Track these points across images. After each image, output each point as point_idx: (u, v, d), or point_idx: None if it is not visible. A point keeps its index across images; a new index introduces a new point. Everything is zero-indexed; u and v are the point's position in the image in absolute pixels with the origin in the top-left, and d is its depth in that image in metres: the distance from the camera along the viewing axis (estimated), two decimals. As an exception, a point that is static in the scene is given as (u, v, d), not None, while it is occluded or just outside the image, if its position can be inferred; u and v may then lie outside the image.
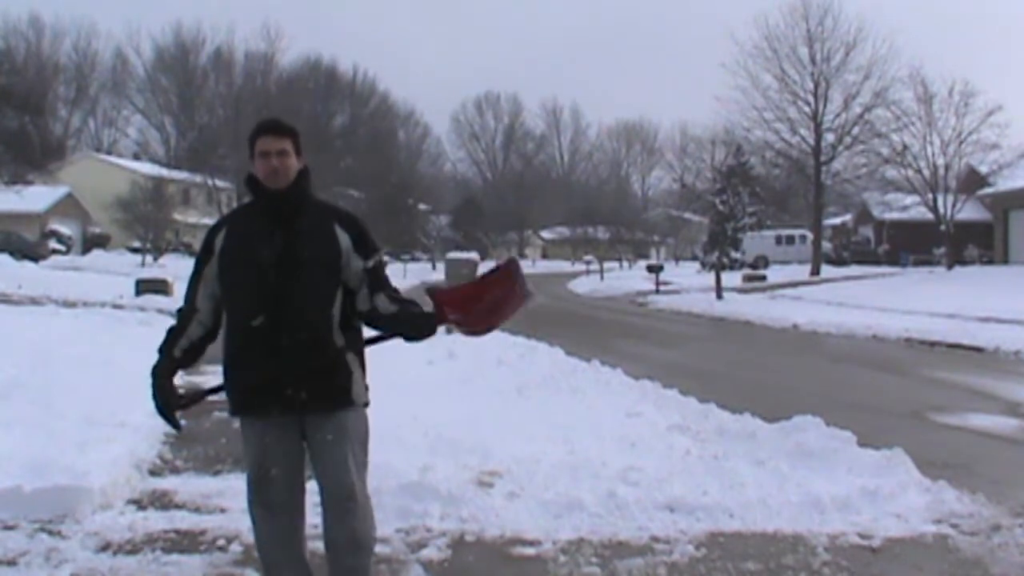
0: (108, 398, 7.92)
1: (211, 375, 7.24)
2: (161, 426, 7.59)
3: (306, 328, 3.40)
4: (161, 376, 3.48)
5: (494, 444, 6.66)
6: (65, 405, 7.52)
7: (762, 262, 51.05)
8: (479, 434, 6.97)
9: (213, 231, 3.56)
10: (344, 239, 3.50)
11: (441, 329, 3.58)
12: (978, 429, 8.74)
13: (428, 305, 3.53)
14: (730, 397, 9.21)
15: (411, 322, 3.46)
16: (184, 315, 3.54)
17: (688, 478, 5.96)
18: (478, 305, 3.51)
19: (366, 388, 3.60)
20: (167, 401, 3.47)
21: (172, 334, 3.54)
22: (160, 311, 19.62)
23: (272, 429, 3.43)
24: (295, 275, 3.40)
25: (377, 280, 3.54)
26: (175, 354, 3.51)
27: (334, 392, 3.47)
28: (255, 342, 3.39)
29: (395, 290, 3.57)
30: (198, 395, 3.63)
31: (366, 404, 3.61)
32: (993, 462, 7.27)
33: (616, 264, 65.76)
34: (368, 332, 3.62)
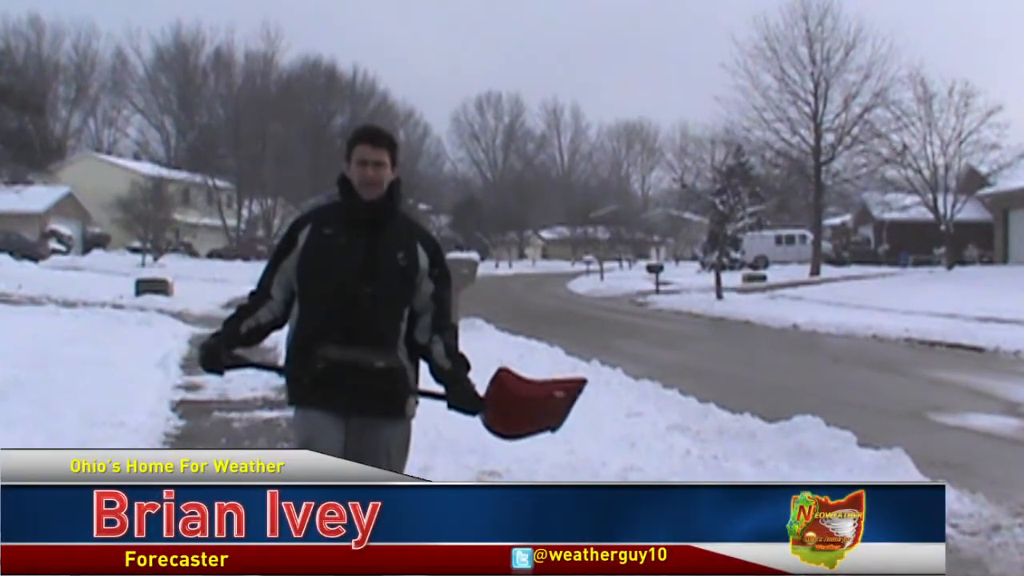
0: (108, 398, 7.91)
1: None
2: (160, 426, 7.62)
3: (374, 335, 3.44)
4: (219, 341, 3.48)
5: (494, 444, 6.61)
6: (65, 405, 7.52)
7: (762, 262, 51.04)
8: (479, 434, 6.94)
9: (298, 225, 3.59)
10: (423, 259, 3.57)
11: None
12: (978, 429, 8.74)
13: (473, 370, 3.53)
14: (730, 397, 9.21)
15: (456, 392, 3.49)
16: (256, 299, 3.57)
17: (688, 478, 5.95)
18: (525, 406, 3.52)
19: (416, 402, 3.62)
20: (215, 358, 3.47)
21: (240, 312, 3.57)
22: (160, 311, 19.60)
23: (323, 421, 3.45)
24: (373, 282, 3.45)
25: (441, 312, 3.57)
26: (241, 329, 3.53)
27: (388, 400, 3.51)
28: (322, 340, 3.43)
29: (455, 335, 3.58)
30: (247, 361, 3.58)
31: (412, 416, 3.63)
32: (993, 462, 7.27)
33: (616, 264, 65.73)
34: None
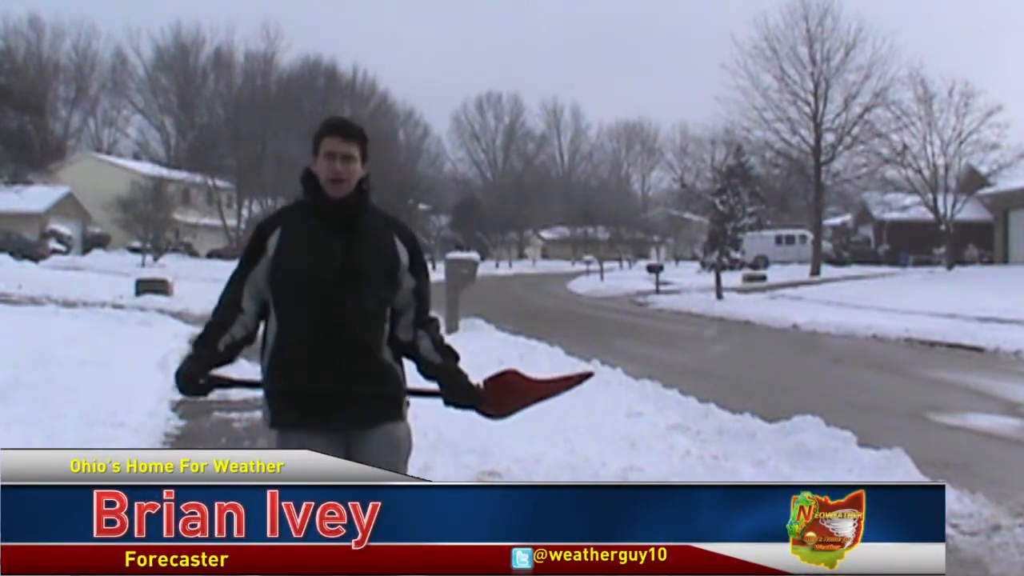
0: (108, 398, 7.91)
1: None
2: (160, 426, 7.61)
3: (359, 339, 3.24)
4: (197, 364, 3.26)
5: (494, 444, 6.65)
6: (65, 405, 7.52)
7: (762, 262, 51.08)
8: (479, 434, 6.95)
9: (266, 230, 3.33)
10: (403, 253, 3.35)
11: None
12: (978, 429, 8.75)
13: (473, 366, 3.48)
14: (730, 397, 9.21)
15: (451, 388, 3.35)
16: (227, 313, 3.30)
17: (688, 478, 5.96)
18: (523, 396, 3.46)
19: (407, 403, 3.44)
20: (194, 384, 3.29)
21: (212, 329, 3.30)
22: (160, 311, 19.60)
23: (314, 443, 3.13)
24: (353, 284, 3.23)
25: (422, 307, 3.39)
26: (219, 348, 3.27)
27: (384, 406, 3.33)
28: (305, 351, 3.22)
29: (438, 328, 3.44)
30: (225, 381, 3.39)
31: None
32: (993, 462, 7.27)
33: (616, 264, 65.75)
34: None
